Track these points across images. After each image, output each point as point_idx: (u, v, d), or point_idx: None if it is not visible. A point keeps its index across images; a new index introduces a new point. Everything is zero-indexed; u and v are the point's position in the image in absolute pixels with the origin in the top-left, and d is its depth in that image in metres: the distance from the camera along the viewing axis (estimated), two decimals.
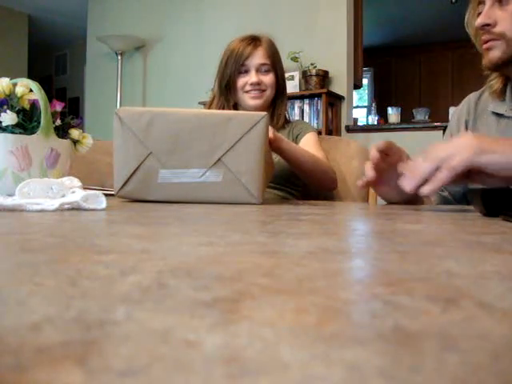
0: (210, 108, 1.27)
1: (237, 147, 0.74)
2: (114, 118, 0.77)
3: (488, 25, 0.87)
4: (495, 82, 0.95)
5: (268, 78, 1.23)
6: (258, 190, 0.74)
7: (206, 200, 0.75)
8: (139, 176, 0.76)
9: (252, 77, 1.20)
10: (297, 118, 3.18)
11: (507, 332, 0.13)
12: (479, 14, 0.90)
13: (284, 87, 1.30)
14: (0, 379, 0.10)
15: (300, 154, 1.09)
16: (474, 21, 0.91)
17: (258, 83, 1.21)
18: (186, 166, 0.75)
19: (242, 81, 1.22)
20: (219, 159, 0.74)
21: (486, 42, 0.89)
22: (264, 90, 1.23)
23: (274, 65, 1.25)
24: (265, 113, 0.76)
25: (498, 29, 0.87)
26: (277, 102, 1.28)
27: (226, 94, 1.24)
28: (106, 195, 0.57)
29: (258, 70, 1.22)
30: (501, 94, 0.94)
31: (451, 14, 4.88)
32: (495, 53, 0.88)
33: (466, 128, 1.03)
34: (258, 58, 1.21)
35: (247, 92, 1.22)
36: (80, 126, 0.86)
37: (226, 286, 0.18)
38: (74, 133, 0.83)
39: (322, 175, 1.15)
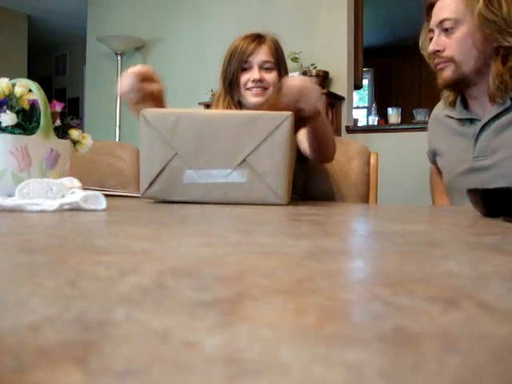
0: (216, 107, 1.26)
1: (261, 147, 0.74)
2: (140, 119, 0.78)
3: (438, 51, 1.05)
4: (449, 95, 1.13)
5: (271, 76, 1.20)
6: (283, 190, 0.74)
7: (231, 201, 0.75)
8: (165, 177, 0.77)
9: (254, 73, 1.19)
10: None
11: (507, 333, 0.13)
12: (431, 39, 1.07)
13: None
14: (0, 379, 0.09)
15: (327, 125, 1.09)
16: (426, 44, 1.10)
17: (260, 80, 1.18)
18: (211, 167, 0.75)
19: (244, 78, 1.20)
20: (244, 160, 0.74)
21: (439, 64, 1.06)
22: (266, 88, 1.20)
23: (278, 63, 1.22)
24: (289, 112, 0.75)
25: (446, 53, 1.04)
26: None
27: (230, 91, 1.22)
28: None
29: (260, 68, 1.19)
30: (453, 104, 1.13)
31: None
32: (447, 72, 1.05)
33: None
34: (261, 54, 1.19)
35: (249, 89, 1.20)
36: (80, 126, 0.86)
37: (226, 287, 0.18)
38: (74, 133, 0.83)
39: (331, 143, 1.15)
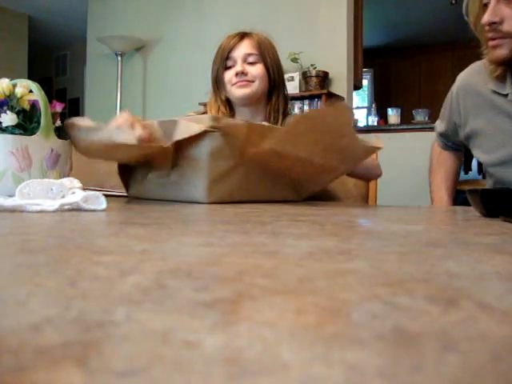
0: (210, 107, 1.25)
1: (186, 152, 0.83)
2: None
3: (495, 23, 0.85)
4: (495, 68, 0.94)
5: (255, 69, 1.16)
6: (205, 189, 0.79)
7: (169, 198, 0.85)
8: (137, 177, 0.93)
9: (237, 66, 1.15)
10: None
11: (507, 333, 0.13)
12: (484, 4, 0.88)
13: (278, 81, 1.21)
14: (0, 379, 0.10)
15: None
16: (475, 9, 0.90)
17: (243, 72, 1.15)
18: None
19: (228, 74, 1.17)
20: (177, 163, 0.84)
21: (493, 39, 0.87)
22: (252, 81, 1.16)
23: (263, 56, 1.17)
24: (202, 126, 0.79)
25: (505, 27, 0.86)
26: (272, 98, 1.20)
27: (218, 90, 1.21)
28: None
29: (244, 61, 1.16)
30: (501, 78, 0.95)
31: (451, 15, 4.88)
32: (503, 51, 0.88)
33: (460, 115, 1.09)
34: (243, 48, 1.17)
35: (234, 84, 1.17)
36: None
37: (226, 287, 0.18)
38: None
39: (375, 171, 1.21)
